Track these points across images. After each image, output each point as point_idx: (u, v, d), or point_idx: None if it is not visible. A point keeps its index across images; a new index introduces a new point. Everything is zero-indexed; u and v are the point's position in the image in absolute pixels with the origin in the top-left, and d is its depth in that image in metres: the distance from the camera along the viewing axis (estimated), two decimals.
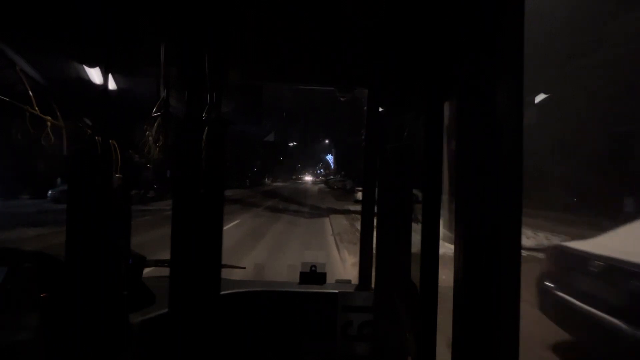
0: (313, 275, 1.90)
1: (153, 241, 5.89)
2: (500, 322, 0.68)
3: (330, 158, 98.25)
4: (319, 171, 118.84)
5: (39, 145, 1.41)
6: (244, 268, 2.18)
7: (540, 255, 6.67)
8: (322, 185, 53.24)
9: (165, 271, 1.38)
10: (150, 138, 1.50)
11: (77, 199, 1.29)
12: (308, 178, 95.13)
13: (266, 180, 52.29)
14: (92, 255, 1.26)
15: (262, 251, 8.52)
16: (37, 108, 1.40)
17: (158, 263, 1.81)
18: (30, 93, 1.39)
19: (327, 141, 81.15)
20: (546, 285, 3.75)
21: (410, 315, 1.21)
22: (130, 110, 1.79)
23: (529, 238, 10.38)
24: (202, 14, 1.20)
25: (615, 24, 14.11)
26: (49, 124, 1.42)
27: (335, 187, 40.96)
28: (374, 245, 1.83)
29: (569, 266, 3.60)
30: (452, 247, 0.79)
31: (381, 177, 1.81)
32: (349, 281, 2.01)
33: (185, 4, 1.20)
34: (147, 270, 1.72)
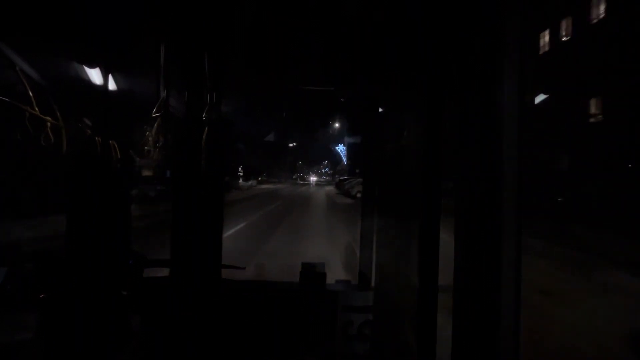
0: (313, 275, 1.90)
1: None
2: (500, 322, 0.68)
3: (341, 149, 71.39)
4: (324, 169, 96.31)
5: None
6: (244, 268, 2.18)
7: None
8: (332, 189, 33.38)
9: (165, 271, 1.39)
10: (150, 138, 1.50)
11: (77, 199, 1.29)
12: (312, 178, 73.96)
13: (240, 182, 31.09)
14: (92, 256, 1.26)
15: None
16: (37, 108, 1.40)
17: (158, 263, 1.81)
18: (30, 93, 1.39)
19: (337, 125, 57.19)
20: None
21: (410, 315, 1.21)
22: (130, 111, 1.79)
23: None
24: (201, 14, 1.20)
25: None
26: (49, 124, 1.42)
27: (357, 194, 19.06)
28: (374, 245, 1.83)
29: None
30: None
31: (381, 177, 1.81)
32: (348, 281, 2.01)
33: (185, 4, 1.20)
34: (147, 271, 1.72)
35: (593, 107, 15.55)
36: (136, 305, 1.55)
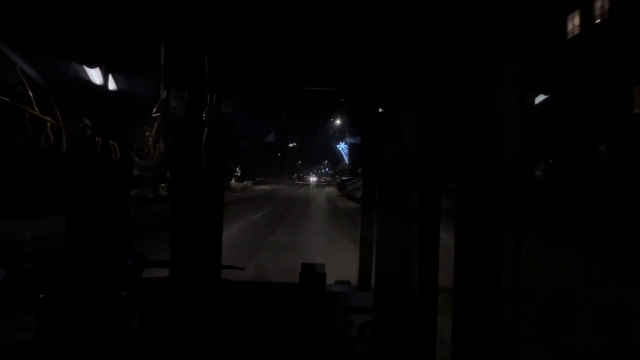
0: (313, 276, 1.90)
1: None
2: (500, 322, 0.68)
3: (343, 148, 64.78)
4: (324, 169, 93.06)
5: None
6: (244, 269, 2.18)
7: None
8: (333, 190, 30.34)
9: (165, 271, 1.39)
10: (150, 139, 1.50)
11: (77, 200, 1.29)
12: (312, 178, 70.44)
13: (233, 182, 27.81)
14: (92, 256, 1.26)
15: None
16: (37, 108, 1.40)
17: (158, 263, 1.81)
18: (30, 93, 1.39)
19: (338, 122, 53.08)
20: None
21: (410, 315, 1.21)
22: (130, 111, 1.79)
23: None
24: (201, 15, 1.20)
25: None
26: (48, 124, 1.42)
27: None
28: (374, 246, 1.83)
29: None
30: None
31: (381, 177, 1.81)
32: (348, 282, 2.01)
33: (185, 4, 1.20)
34: (147, 271, 1.72)
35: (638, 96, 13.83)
36: (136, 306, 1.55)
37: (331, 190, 31.77)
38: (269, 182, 46.76)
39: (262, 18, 1.39)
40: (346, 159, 61.49)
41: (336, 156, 72.85)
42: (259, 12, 1.36)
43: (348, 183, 23.16)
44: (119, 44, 1.50)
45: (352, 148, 55.89)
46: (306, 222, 11.07)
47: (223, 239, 1.49)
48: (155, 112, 1.46)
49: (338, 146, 67.14)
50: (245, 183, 31.58)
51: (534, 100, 17.64)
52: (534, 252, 6.61)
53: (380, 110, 1.90)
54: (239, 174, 32.45)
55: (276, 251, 7.19)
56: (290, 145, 69.41)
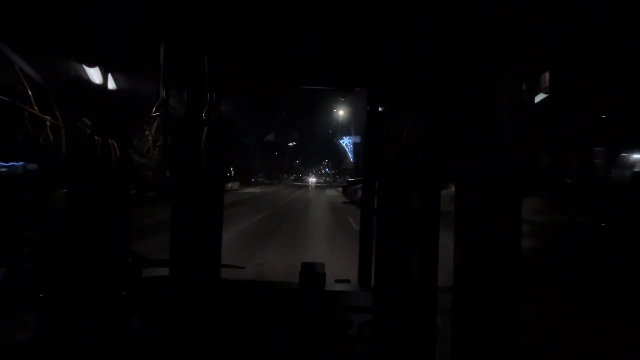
0: (313, 275, 1.90)
1: None
2: (500, 322, 0.68)
3: (347, 143, 55.85)
4: (324, 170, 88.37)
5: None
6: (244, 267, 2.18)
7: None
8: (335, 194, 25.39)
9: (165, 271, 1.39)
10: (150, 138, 1.50)
11: (76, 199, 1.29)
12: (312, 179, 66.77)
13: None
14: (92, 256, 1.26)
15: None
16: (36, 108, 1.40)
17: (157, 263, 1.81)
18: (30, 93, 1.39)
19: (341, 113, 46.54)
20: None
21: (410, 315, 1.21)
22: (130, 110, 1.78)
23: None
24: (201, 15, 1.20)
25: None
26: (48, 123, 1.42)
27: None
28: (374, 245, 1.83)
29: None
30: None
31: (381, 177, 1.81)
32: (348, 281, 2.01)
33: (185, 4, 1.20)
34: (146, 271, 1.72)
35: None
36: (136, 305, 1.55)
37: (333, 194, 26.62)
38: (264, 184, 40.85)
39: (262, 18, 1.39)
40: (350, 156, 53.45)
41: (337, 156, 67.40)
42: (259, 12, 1.36)
43: (357, 186, 17.16)
44: (118, 43, 1.50)
45: (356, 145, 49.37)
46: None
47: None
48: (155, 112, 1.46)
49: (341, 141, 58.59)
50: (229, 185, 26.81)
51: (533, 100, 17.54)
52: None
53: (380, 110, 1.90)
54: (232, 174, 28.98)
55: None
56: (290, 144, 68.43)
